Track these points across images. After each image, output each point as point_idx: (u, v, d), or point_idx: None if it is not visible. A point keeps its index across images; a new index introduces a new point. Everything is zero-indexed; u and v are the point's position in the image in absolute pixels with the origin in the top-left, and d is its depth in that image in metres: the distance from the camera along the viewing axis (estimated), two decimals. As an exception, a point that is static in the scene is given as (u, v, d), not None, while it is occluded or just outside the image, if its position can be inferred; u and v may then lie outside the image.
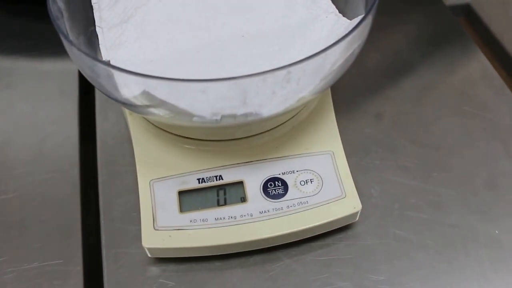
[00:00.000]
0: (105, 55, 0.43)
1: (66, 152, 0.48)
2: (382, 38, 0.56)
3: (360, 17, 0.38)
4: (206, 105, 0.34)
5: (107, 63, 0.35)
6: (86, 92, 0.53)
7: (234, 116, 0.35)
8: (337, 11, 0.45)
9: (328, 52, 0.33)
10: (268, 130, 0.43)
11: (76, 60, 0.38)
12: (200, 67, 0.41)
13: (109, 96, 0.38)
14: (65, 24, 0.41)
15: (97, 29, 0.44)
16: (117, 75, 0.35)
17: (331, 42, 0.34)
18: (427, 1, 0.62)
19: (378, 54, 0.55)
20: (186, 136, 0.43)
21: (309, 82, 0.36)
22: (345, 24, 0.43)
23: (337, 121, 0.45)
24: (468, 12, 1.79)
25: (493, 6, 1.65)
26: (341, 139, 0.44)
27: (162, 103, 0.35)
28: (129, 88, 0.36)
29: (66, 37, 0.36)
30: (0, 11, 0.60)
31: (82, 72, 0.39)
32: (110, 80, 0.36)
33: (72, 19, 0.42)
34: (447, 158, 0.48)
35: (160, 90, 0.34)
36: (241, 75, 0.32)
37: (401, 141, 0.49)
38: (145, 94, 0.34)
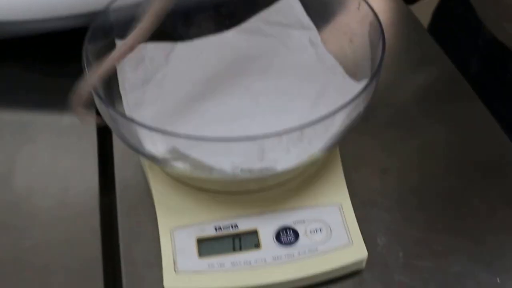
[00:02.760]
0: (128, 114, 0.46)
1: (86, 201, 0.50)
2: (388, 95, 0.59)
3: (365, 82, 0.41)
4: (227, 160, 0.37)
5: (140, 122, 0.38)
6: (104, 144, 0.55)
7: (251, 170, 0.38)
8: (343, 72, 0.49)
9: (336, 114, 0.37)
10: (280, 184, 0.46)
11: (109, 120, 0.41)
12: (219, 125, 0.45)
13: (136, 151, 0.41)
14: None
15: (121, 90, 0.48)
16: (144, 132, 0.38)
17: (338, 101, 0.37)
18: (431, 58, 0.66)
19: (384, 110, 0.58)
20: (204, 188, 0.46)
21: (319, 141, 0.39)
22: (351, 84, 0.47)
23: (345, 175, 0.48)
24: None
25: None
26: (349, 192, 0.47)
27: (185, 158, 0.38)
28: (155, 145, 0.39)
29: (103, 100, 0.40)
30: (19, 70, 0.64)
31: (113, 131, 0.41)
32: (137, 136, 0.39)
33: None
34: (451, 209, 0.50)
35: (186, 147, 0.37)
36: (260, 135, 0.35)
37: (406, 194, 0.51)
38: (173, 150, 0.37)
